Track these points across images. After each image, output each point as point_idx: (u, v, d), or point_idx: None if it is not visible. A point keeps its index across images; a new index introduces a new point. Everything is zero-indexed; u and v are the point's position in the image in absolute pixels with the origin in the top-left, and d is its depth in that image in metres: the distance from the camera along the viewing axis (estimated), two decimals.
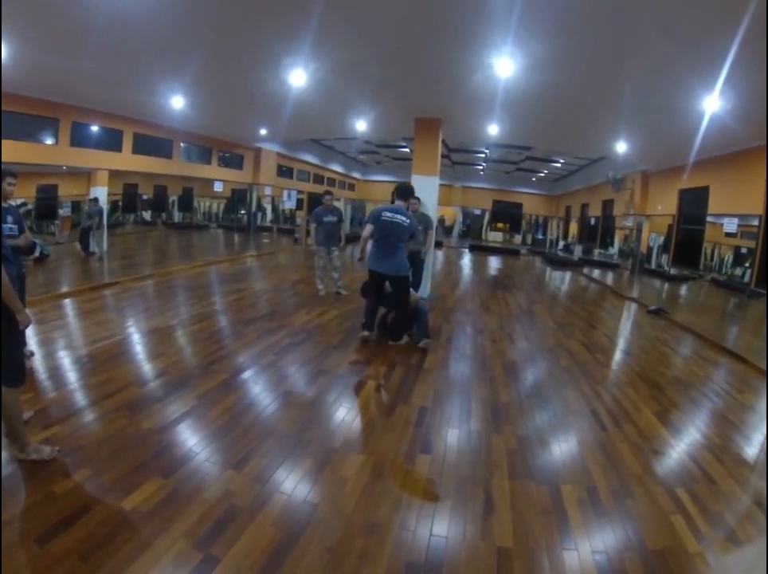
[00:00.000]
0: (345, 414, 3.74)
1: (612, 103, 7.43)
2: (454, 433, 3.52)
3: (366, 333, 5.59)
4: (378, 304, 5.72)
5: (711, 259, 13.01)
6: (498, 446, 3.36)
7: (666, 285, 13.02)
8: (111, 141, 12.26)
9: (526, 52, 5.54)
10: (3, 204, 3.22)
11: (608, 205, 18.27)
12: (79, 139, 11.38)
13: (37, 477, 2.64)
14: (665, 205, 13.56)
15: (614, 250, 18.18)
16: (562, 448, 3.42)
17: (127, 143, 12.64)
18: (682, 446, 3.60)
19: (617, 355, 6.22)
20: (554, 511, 2.62)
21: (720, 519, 2.65)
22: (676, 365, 5.90)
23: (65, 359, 4.58)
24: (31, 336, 4.93)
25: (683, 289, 12.68)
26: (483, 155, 20.12)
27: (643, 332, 7.63)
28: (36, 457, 2.76)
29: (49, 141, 10.87)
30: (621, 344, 6.96)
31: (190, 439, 3.18)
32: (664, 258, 14.34)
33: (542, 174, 24.36)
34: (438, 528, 2.43)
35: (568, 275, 15.56)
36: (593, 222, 20.65)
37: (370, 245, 5.59)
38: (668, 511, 2.68)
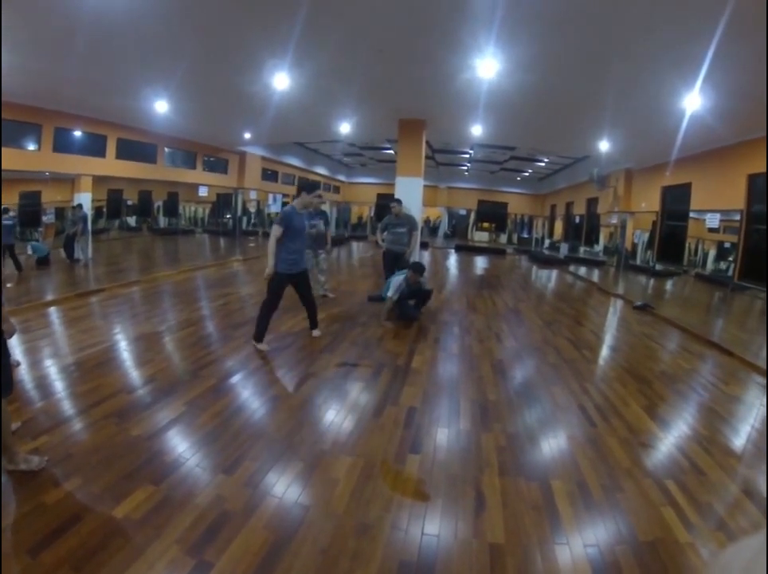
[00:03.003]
0: (334, 416, 3.74)
1: (594, 102, 7.53)
2: (443, 432, 3.53)
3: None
4: None
5: (695, 254, 13.19)
6: (487, 444, 3.38)
7: (651, 281, 13.16)
8: (94, 146, 12.19)
9: (508, 53, 5.60)
10: None
11: (592, 203, 18.45)
12: (62, 144, 11.30)
13: (26, 487, 2.62)
14: (649, 202, 13.74)
15: (599, 248, 18.36)
16: (552, 444, 3.45)
17: (111, 148, 12.56)
18: (670, 438, 3.65)
19: (604, 351, 6.27)
20: (545, 507, 2.65)
21: (709, 509, 2.69)
22: (663, 359, 5.96)
23: (52, 368, 4.53)
24: (16, 345, 4.88)
25: (669, 285, 12.83)
26: (467, 156, 20.21)
27: (629, 327, 7.71)
28: (25, 467, 2.74)
29: (32, 147, 10.77)
30: (608, 340, 7.02)
31: (180, 445, 3.17)
32: (649, 254, 14.50)
33: (527, 174, 24.54)
34: (430, 527, 2.44)
35: (554, 273, 15.65)
36: (578, 220, 20.83)
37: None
38: (658, 503, 2.72)
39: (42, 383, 4.18)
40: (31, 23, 5.39)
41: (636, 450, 3.40)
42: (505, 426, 3.68)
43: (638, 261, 15.11)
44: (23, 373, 4.30)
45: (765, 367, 5.31)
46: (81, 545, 2.20)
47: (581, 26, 4.87)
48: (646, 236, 14.90)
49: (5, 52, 6.24)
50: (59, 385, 4.16)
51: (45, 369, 4.52)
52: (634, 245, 15.45)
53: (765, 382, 5.08)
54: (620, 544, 2.38)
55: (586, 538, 2.40)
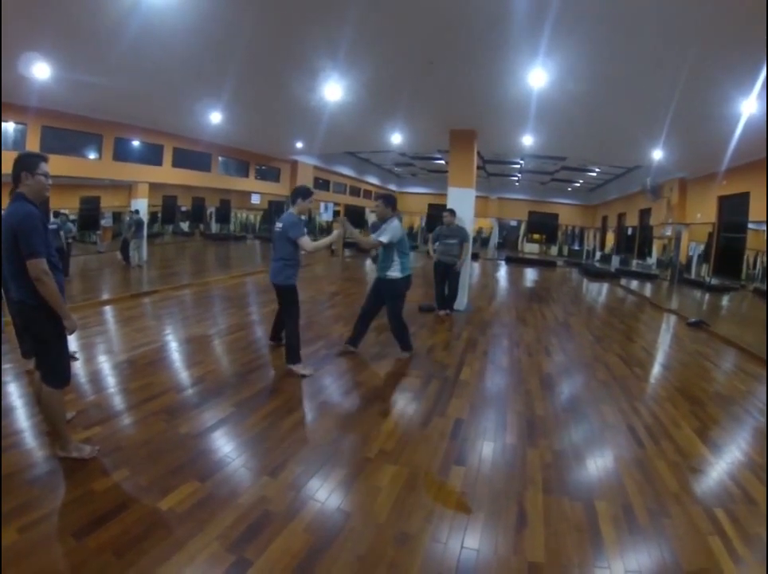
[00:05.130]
0: (381, 425, 3.75)
1: (647, 110, 7.30)
2: (489, 446, 3.49)
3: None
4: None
5: (754, 268, 12.52)
6: (533, 460, 3.31)
7: (706, 296, 12.61)
8: (152, 155, 12.71)
9: (558, 62, 5.52)
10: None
11: (645, 214, 17.90)
12: (121, 153, 11.83)
13: (77, 474, 2.76)
14: (704, 213, 13.20)
15: (652, 261, 17.71)
16: (598, 464, 3.35)
17: (168, 157, 13.06)
18: (722, 464, 3.47)
19: (656, 369, 6.05)
20: (587, 528, 2.57)
21: (759, 541, 2.55)
22: (717, 380, 5.70)
23: (106, 364, 4.76)
24: (73, 340, 5.11)
25: (725, 300, 12.25)
26: (518, 166, 19.94)
27: (682, 345, 7.41)
28: (77, 455, 2.90)
29: (93, 155, 11.32)
30: (660, 357, 6.77)
31: (227, 445, 3.25)
32: (704, 268, 13.91)
33: (578, 184, 24.02)
34: (470, 541, 2.41)
35: (605, 287, 15.24)
36: (630, 231, 20.24)
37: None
38: (706, 532, 2.59)
39: (96, 378, 4.39)
40: (90, 41, 5.67)
41: (685, 474, 3.25)
42: (551, 443, 3.60)
43: (692, 275, 14.50)
44: (79, 367, 4.51)
45: None
46: (125, 533, 2.30)
47: (631, 34, 4.75)
48: (701, 248, 14.30)
49: (68, 68, 6.62)
50: (112, 380, 4.36)
51: (100, 364, 4.75)
52: (689, 259, 14.84)
53: None
54: (663, 572, 2.28)
55: (628, 563, 2.32)
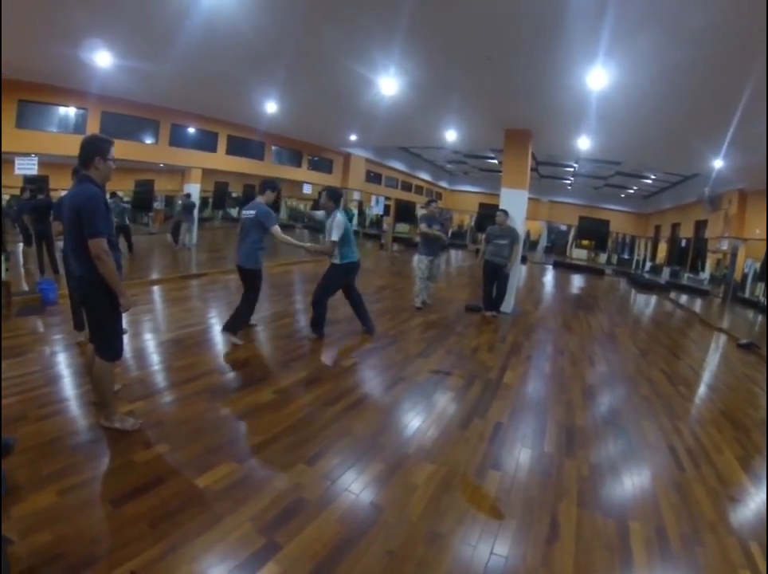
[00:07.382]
0: (420, 422, 3.75)
1: (709, 116, 6.99)
2: (527, 453, 3.45)
3: None
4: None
5: None
6: (569, 471, 3.26)
7: (760, 317, 12.06)
8: (206, 142, 13.03)
9: (619, 63, 5.35)
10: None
11: (701, 226, 17.19)
12: (177, 139, 12.20)
13: (118, 444, 2.90)
14: (764, 228, 12.59)
15: (705, 275, 17.02)
16: (635, 482, 3.25)
17: (222, 144, 13.36)
18: (762, 496, 3.30)
19: (701, 390, 5.82)
20: (618, 547, 2.50)
21: None
22: (765, 407, 5.45)
23: (152, 342, 4.95)
24: (122, 316, 5.30)
25: None
26: (572, 170, 19.48)
27: (731, 367, 7.11)
28: (119, 426, 3.04)
29: (150, 140, 11.71)
30: (706, 377, 6.50)
31: (266, 430, 3.31)
32: (760, 287, 13.30)
33: (632, 191, 23.26)
34: (499, 548, 2.40)
35: (653, 299, 14.76)
36: (683, 243, 19.50)
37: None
38: (738, 564, 2.48)
39: (142, 354, 4.59)
40: (151, 30, 5.86)
41: (723, 503, 3.12)
42: (589, 455, 3.53)
43: (746, 294, 13.86)
44: (126, 342, 4.63)
45: None
46: (161, 505, 2.39)
47: (696, 38, 4.55)
48: (757, 266, 13.64)
49: (130, 57, 6.86)
50: (157, 358, 4.54)
51: (146, 341, 4.95)
52: (743, 276, 14.18)
53: None
54: None
55: None
